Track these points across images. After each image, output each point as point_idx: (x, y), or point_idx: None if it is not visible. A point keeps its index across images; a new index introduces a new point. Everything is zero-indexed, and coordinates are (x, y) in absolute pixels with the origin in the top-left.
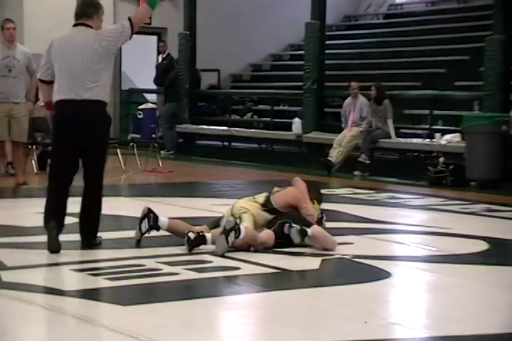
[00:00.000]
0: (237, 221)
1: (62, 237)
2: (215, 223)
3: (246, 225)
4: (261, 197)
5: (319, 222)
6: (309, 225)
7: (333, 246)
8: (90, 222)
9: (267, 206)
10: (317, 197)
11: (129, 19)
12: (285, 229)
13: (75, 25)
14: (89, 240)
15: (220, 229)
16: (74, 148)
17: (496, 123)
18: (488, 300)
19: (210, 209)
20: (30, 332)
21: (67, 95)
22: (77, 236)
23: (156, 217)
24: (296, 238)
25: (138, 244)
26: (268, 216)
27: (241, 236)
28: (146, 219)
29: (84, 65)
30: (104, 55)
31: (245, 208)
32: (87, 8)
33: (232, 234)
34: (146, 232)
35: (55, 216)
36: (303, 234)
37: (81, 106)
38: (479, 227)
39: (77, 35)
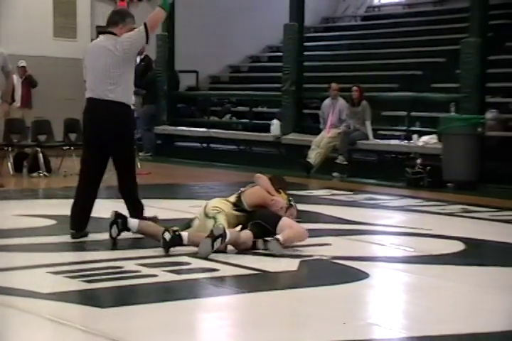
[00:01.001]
0: (212, 221)
1: (38, 239)
2: (186, 224)
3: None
4: (232, 198)
5: (290, 210)
6: (278, 221)
7: (304, 238)
8: (134, 205)
9: (238, 206)
10: (282, 186)
11: (144, 24)
12: (259, 245)
13: (103, 33)
14: (138, 216)
15: (193, 229)
16: (98, 145)
17: (472, 125)
18: (465, 301)
19: (188, 210)
20: (5, 335)
21: (92, 94)
22: (54, 238)
23: (124, 221)
24: (277, 250)
25: (113, 247)
26: (240, 215)
27: (226, 241)
28: (114, 225)
29: (105, 69)
30: (122, 59)
31: (219, 208)
32: (113, 17)
33: (219, 240)
34: (116, 236)
35: (80, 218)
36: (277, 243)
37: (102, 105)
38: (456, 228)
39: (101, 41)
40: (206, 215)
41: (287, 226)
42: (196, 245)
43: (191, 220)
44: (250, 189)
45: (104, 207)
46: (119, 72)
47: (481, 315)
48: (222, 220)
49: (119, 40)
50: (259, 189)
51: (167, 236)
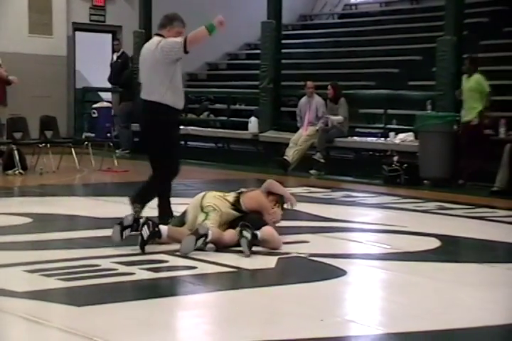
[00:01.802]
0: (203, 216)
1: (14, 238)
2: (181, 221)
3: (211, 225)
4: (231, 196)
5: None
6: (262, 226)
7: (278, 247)
8: (144, 190)
9: (236, 206)
10: (282, 201)
11: (185, 37)
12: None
13: (155, 35)
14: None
15: (189, 224)
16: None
17: (447, 122)
18: (441, 297)
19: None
20: None
21: (142, 95)
22: (30, 237)
23: (155, 224)
24: (245, 249)
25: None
26: (236, 214)
27: (207, 240)
28: (145, 226)
29: (149, 70)
30: (161, 63)
31: (216, 206)
32: (163, 20)
33: (202, 240)
34: (148, 240)
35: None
36: (251, 242)
37: (145, 106)
38: (432, 225)
39: (149, 43)
40: (201, 208)
41: (269, 235)
42: (175, 240)
43: (183, 215)
44: (251, 193)
45: (81, 205)
46: (159, 75)
47: (456, 311)
48: (213, 219)
49: (162, 41)
50: (261, 195)
51: (145, 232)
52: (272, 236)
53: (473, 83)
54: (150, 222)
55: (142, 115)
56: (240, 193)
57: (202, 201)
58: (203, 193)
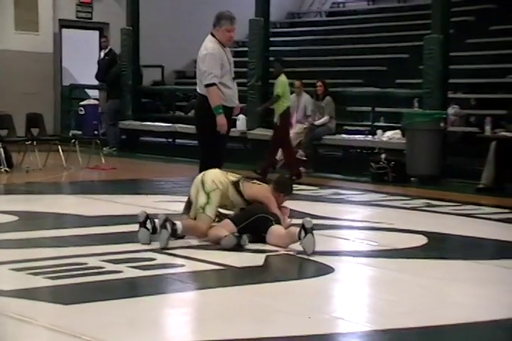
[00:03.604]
0: (205, 198)
1: (0, 236)
2: (188, 208)
3: (208, 215)
4: (233, 177)
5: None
6: (271, 225)
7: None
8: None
9: (237, 187)
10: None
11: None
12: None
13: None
14: None
15: (194, 203)
16: None
17: (434, 120)
18: (428, 294)
19: (153, 206)
20: None
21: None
22: (16, 235)
23: (173, 224)
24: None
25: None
26: (239, 201)
27: (179, 232)
28: (168, 223)
29: (198, 65)
30: (202, 60)
31: (216, 184)
32: (214, 20)
33: (168, 224)
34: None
35: None
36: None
37: (196, 97)
38: (419, 222)
39: (204, 44)
40: (203, 185)
41: (277, 236)
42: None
43: (189, 202)
44: (256, 185)
45: (68, 203)
46: (203, 70)
47: (444, 307)
48: (213, 203)
49: (204, 44)
50: (267, 191)
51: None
52: (280, 238)
53: None
54: (170, 220)
55: (195, 107)
56: (240, 180)
57: (203, 176)
58: (203, 172)
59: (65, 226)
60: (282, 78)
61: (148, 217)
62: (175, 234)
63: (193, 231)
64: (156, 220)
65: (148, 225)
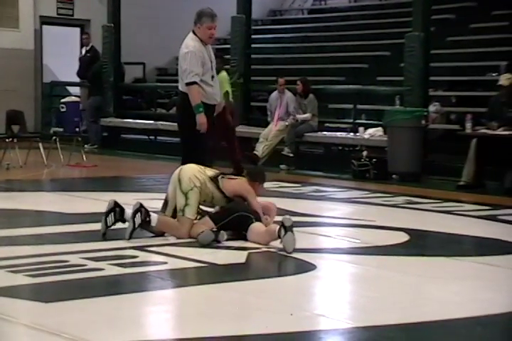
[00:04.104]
0: (183, 199)
1: None
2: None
3: (188, 217)
4: (210, 171)
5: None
6: (251, 223)
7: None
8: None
9: (216, 183)
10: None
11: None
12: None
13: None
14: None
15: (170, 203)
16: None
17: (416, 117)
18: (409, 290)
19: (133, 203)
20: None
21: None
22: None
23: (122, 211)
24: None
25: (103, 237)
26: (220, 197)
27: (152, 224)
28: (112, 213)
29: (180, 63)
30: (183, 58)
31: (193, 182)
32: (195, 17)
33: (138, 215)
34: (111, 225)
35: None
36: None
37: (178, 95)
38: (400, 219)
39: (184, 41)
40: (180, 184)
41: (257, 233)
42: (163, 231)
43: (165, 201)
44: (235, 180)
45: (48, 200)
46: (184, 68)
47: (424, 304)
48: (192, 204)
49: (185, 42)
50: (246, 184)
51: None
52: (259, 235)
53: None
54: (143, 209)
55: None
56: (219, 175)
57: (180, 173)
58: (179, 168)
59: (46, 224)
60: (224, 74)
61: (116, 206)
62: (148, 226)
63: (172, 231)
64: (128, 211)
65: (110, 218)
